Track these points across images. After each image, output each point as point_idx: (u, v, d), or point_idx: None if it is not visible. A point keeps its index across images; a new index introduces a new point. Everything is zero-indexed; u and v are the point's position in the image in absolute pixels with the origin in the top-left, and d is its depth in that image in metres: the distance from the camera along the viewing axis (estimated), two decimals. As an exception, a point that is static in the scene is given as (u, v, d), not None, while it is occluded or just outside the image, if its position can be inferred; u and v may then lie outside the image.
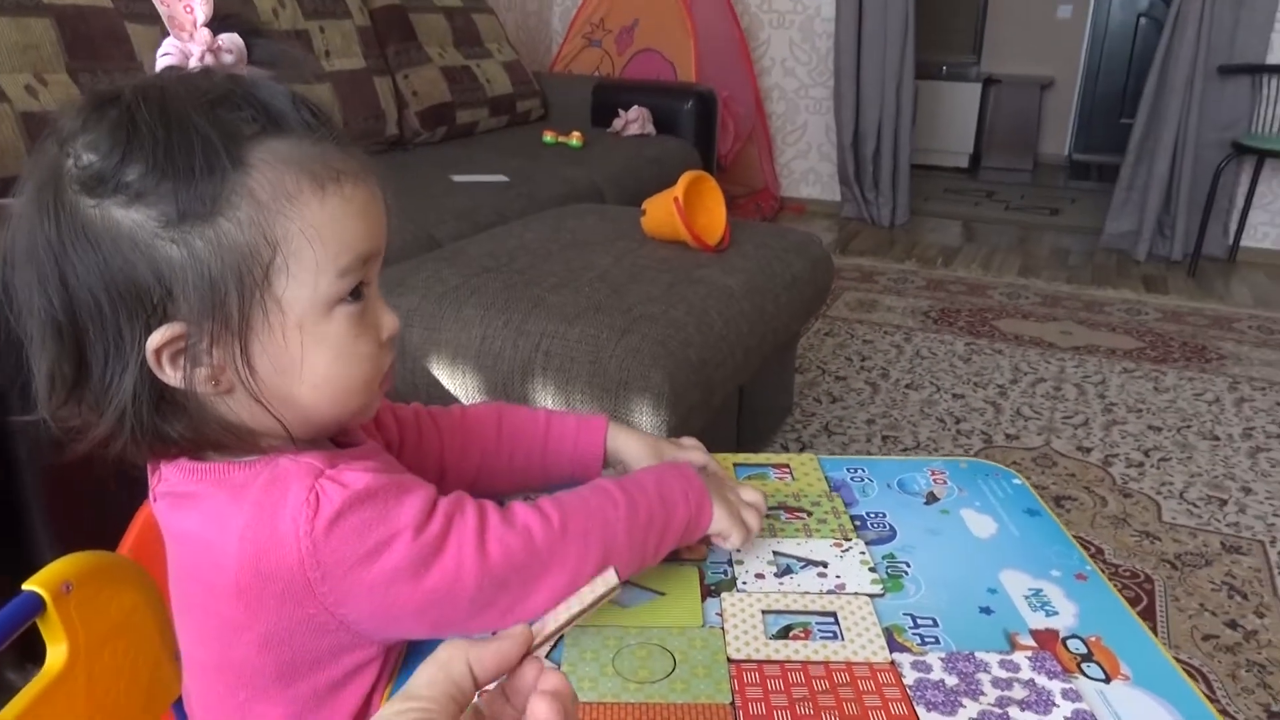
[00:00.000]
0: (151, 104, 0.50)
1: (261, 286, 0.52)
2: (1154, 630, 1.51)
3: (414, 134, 2.84)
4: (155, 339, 0.51)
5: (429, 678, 0.41)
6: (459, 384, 1.45)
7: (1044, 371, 2.56)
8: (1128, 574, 1.66)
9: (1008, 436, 2.18)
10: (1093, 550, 1.70)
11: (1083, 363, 2.62)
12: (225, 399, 0.55)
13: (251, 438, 0.56)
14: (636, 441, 0.77)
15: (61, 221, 0.51)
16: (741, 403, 1.83)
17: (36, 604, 0.62)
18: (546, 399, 1.39)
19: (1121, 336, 2.84)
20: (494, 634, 0.44)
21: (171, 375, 0.52)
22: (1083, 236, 4.06)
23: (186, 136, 0.50)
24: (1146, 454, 2.11)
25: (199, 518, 0.55)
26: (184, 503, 0.56)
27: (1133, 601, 1.57)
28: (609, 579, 0.45)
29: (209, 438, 0.55)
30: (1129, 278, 3.47)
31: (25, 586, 0.62)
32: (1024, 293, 3.25)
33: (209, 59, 0.59)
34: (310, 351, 0.55)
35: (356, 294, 0.56)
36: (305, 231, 0.53)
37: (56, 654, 0.62)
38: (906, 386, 2.44)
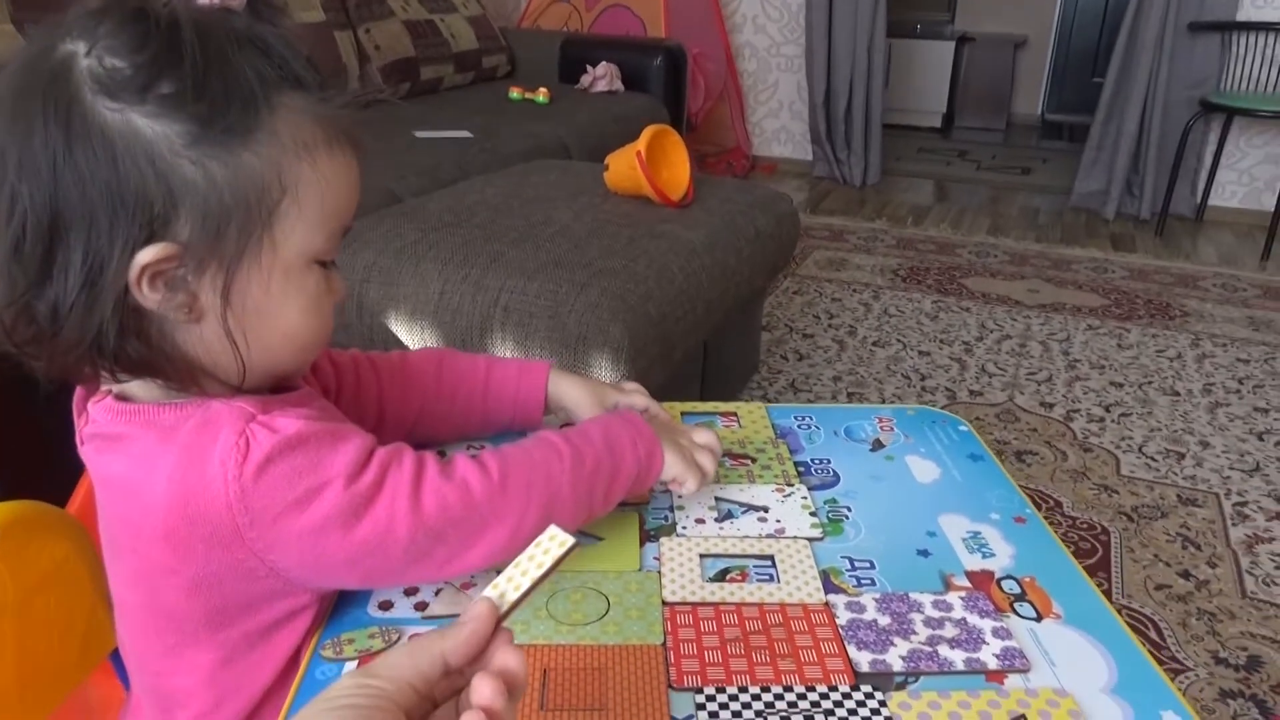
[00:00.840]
0: (187, 26, 0.50)
1: (264, 224, 0.53)
2: (1108, 580, 1.53)
3: (377, 90, 2.79)
4: (146, 255, 0.50)
5: (394, 661, 0.41)
6: (417, 339, 1.44)
7: (1010, 329, 2.57)
8: (1085, 526, 1.68)
9: (971, 393, 2.19)
10: (1051, 503, 1.72)
11: (1048, 320, 2.64)
12: (189, 329, 0.53)
13: (197, 374, 0.55)
14: (578, 387, 0.76)
15: (73, 120, 0.49)
16: (706, 359, 1.82)
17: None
18: (506, 354, 1.38)
19: (1087, 294, 2.86)
20: (459, 617, 0.43)
21: (148, 295, 0.51)
22: (1053, 196, 4.07)
23: (227, 65, 0.51)
24: (1107, 409, 2.13)
25: (126, 460, 0.54)
26: (112, 445, 0.55)
27: (1088, 553, 1.60)
28: (564, 540, 0.44)
29: (157, 365, 0.54)
30: (1097, 236, 3.48)
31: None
32: (993, 251, 3.26)
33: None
34: (288, 299, 0.55)
35: (328, 263, 0.58)
36: (316, 183, 0.54)
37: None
38: (874, 344, 2.44)
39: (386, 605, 0.60)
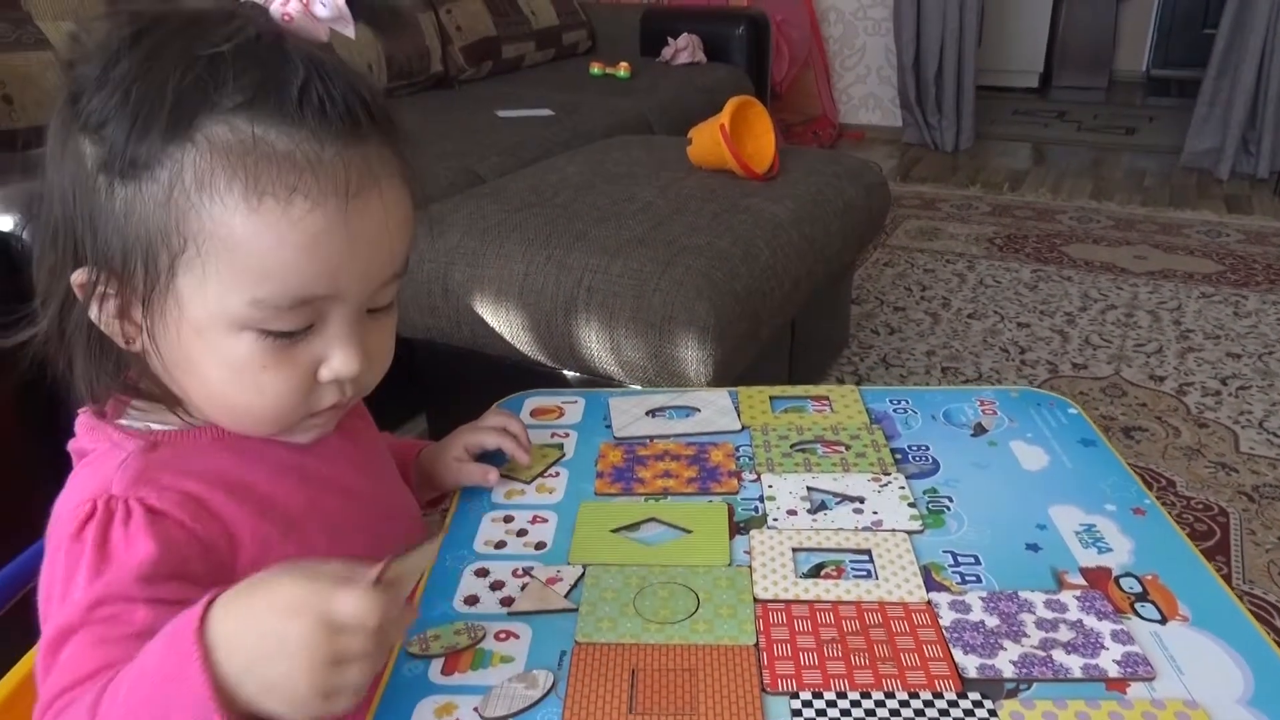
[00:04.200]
0: (149, 36, 0.47)
1: (166, 274, 0.47)
2: (1227, 565, 1.45)
3: (459, 70, 2.80)
4: (75, 275, 0.49)
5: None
6: (503, 322, 1.44)
7: (1115, 298, 2.45)
8: (1200, 506, 1.59)
9: (1075, 366, 2.10)
10: (1164, 483, 1.63)
11: (1157, 288, 2.50)
12: (152, 359, 0.51)
13: (174, 404, 0.53)
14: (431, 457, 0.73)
15: (56, 131, 0.49)
16: (794, 335, 1.78)
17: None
18: (590, 335, 1.36)
19: (1200, 260, 2.70)
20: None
21: (95, 314, 0.50)
22: (1161, 156, 3.86)
23: (152, 83, 0.45)
24: (1224, 382, 2.01)
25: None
26: (79, 460, 0.55)
27: (1205, 535, 1.51)
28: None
29: (136, 385, 0.53)
30: (1210, 198, 3.29)
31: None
32: (1096, 216, 3.10)
33: (294, 5, 0.50)
34: (204, 360, 0.49)
35: (287, 334, 0.49)
36: (219, 239, 0.46)
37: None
38: (969, 316, 2.36)
39: (472, 600, 0.59)
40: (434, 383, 1.65)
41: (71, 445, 0.55)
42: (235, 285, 0.47)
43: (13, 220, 1.18)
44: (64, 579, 0.48)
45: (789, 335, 1.76)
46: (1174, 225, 3.01)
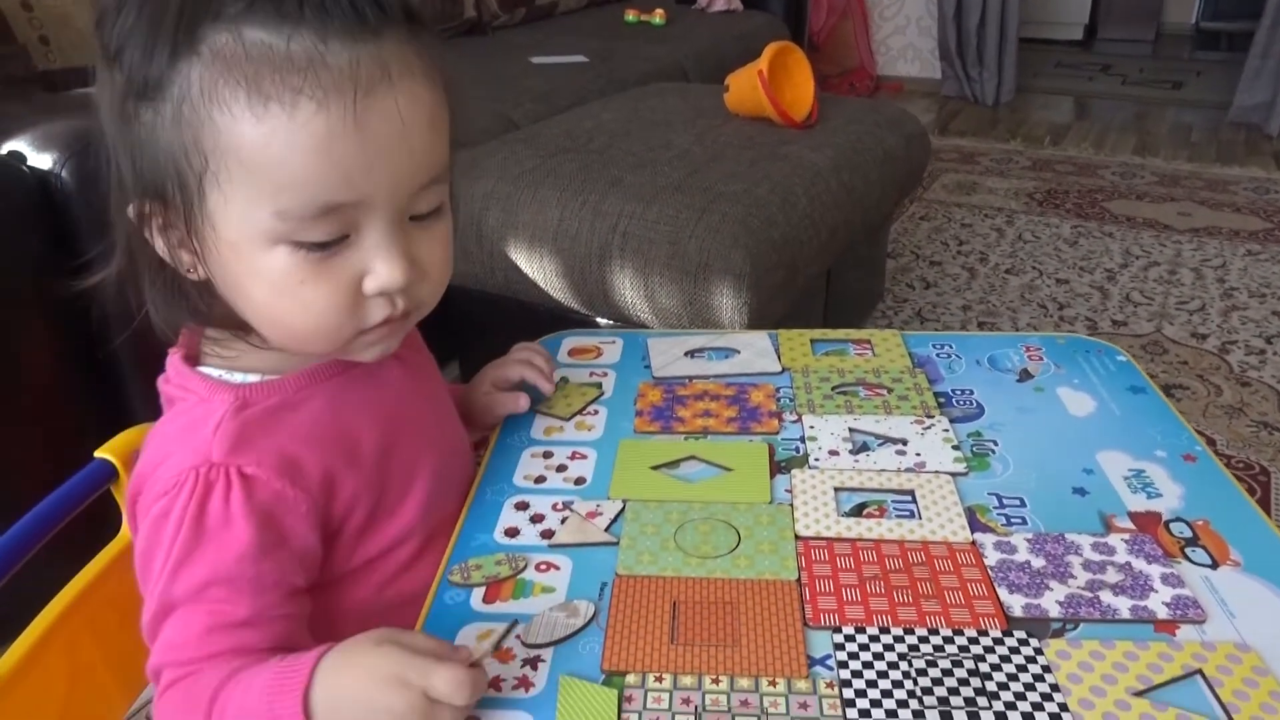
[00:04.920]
0: None
1: (196, 196, 0.46)
2: (1267, 523, 1.42)
3: (492, 16, 2.77)
4: (130, 209, 0.49)
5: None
6: (537, 268, 1.43)
7: (1158, 255, 2.40)
8: (1241, 465, 1.56)
9: (1114, 323, 2.06)
10: (1204, 441, 1.61)
11: (1202, 245, 2.45)
12: (219, 287, 0.51)
13: (245, 330, 0.53)
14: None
15: (97, 65, 0.49)
16: (829, 288, 1.76)
17: (108, 471, 0.63)
18: (624, 282, 1.35)
19: (1247, 217, 2.64)
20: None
21: (160, 246, 0.50)
22: (1208, 111, 3.75)
23: (159, 1, 0.44)
24: (1269, 341, 1.97)
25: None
26: (168, 405, 0.55)
27: (1244, 494, 1.49)
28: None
29: (216, 318, 0.53)
30: (1259, 154, 3.20)
31: (97, 454, 0.63)
32: (1140, 172, 3.03)
33: None
34: (247, 280, 0.48)
35: (321, 245, 0.47)
36: (233, 152, 0.45)
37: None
38: (1006, 271, 2.32)
39: (513, 532, 0.59)
40: (467, 329, 1.64)
41: (161, 384, 0.56)
42: (257, 198, 0.46)
43: (51, 159, 1.18)
44: (167, 550, 0.49)
45: (824, 287, 1.74)
46: (1220, 182, 2.93)
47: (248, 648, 0.48)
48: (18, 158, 1.18)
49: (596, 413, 0.72)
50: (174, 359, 0.55)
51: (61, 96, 1.57)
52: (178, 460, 0.50)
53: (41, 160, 1.19)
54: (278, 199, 0.45)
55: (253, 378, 0.54)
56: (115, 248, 0.51)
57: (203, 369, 0.54)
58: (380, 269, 0.48)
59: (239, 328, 0.53)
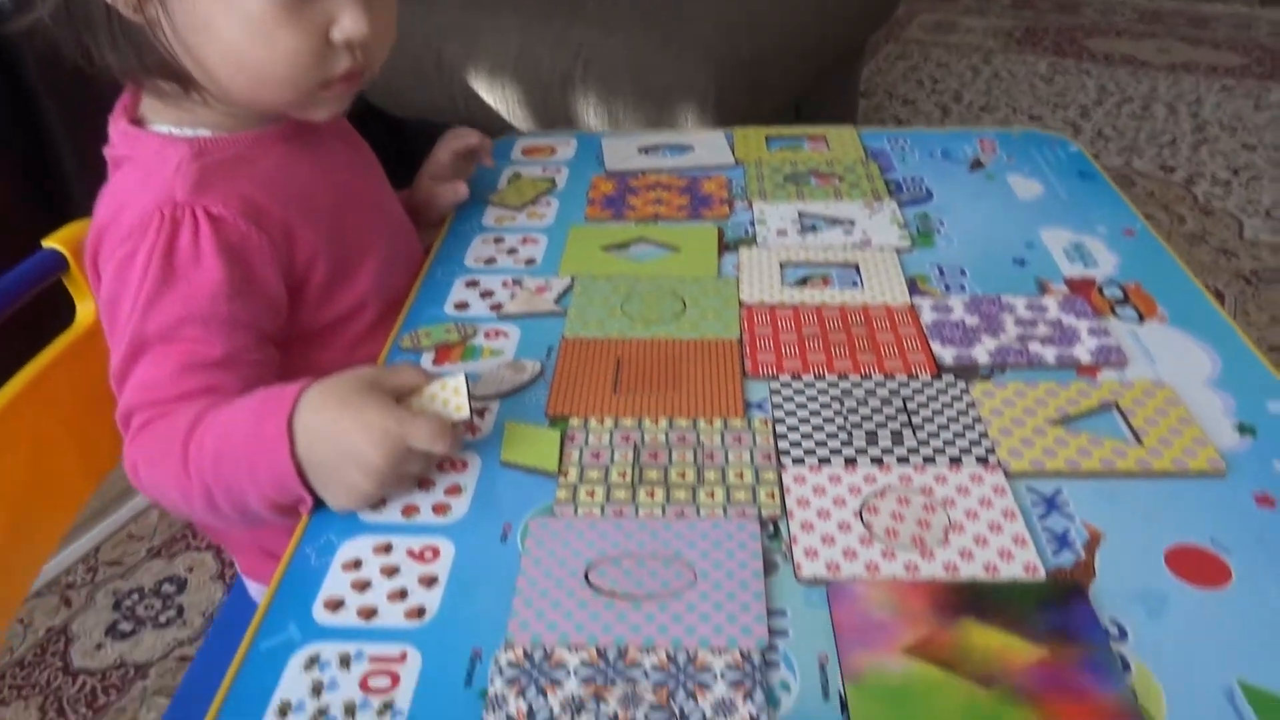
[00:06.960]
0: None
1: None
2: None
3: None
4: None
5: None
6: (498, 98, 1.40)
7: (1132, 91, 2.37)
8: (1198, 290, 1.59)
9: (1085, 158, 2.05)
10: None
11: (1177, 81, 2.42)
12: (167, 39, 0.50)
13: (190, 85, 0.52)
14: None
15: None
16: (798, 121, 1.74)
17: (57, 261, 0.63)
18: (588, 109, 1.33)
19: (1225, 54, 2.59)
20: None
21: None
22: (1196, -53, 3.64)
23: None
24: (1235, 173, 1.97)
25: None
26: (115, 168, 0.54)
27: (1200, 316, 1.52)
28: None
29: (154, 72, 0.51)
30: (1243, -10, 3.12)
31: (45, 243, 0.63)
32: (1120, 9, 2.96)
33: None
34: (221, 18, 0.49)
35: None
36: None
37: (85, 310, 0.64)
38: (980, 109, 2.29)
39: (462, 306, 0.60)
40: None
41: (108, 152, 0.55)
42: None
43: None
44: (135, 290, 0.49)
45: (793, 120, 1.72)
46: (1202, 18, 2.87)
47: (221, 387, 0.49)
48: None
49: (549, 204, 0.72)
50: (119, 124, 0.55)
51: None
52: (140, 204, 0.50)
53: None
54: None
55: (204, 133, 0.54)
56: None
57: (152, 127, 0.54)
58: (347, 19, 0.50)
59: (183, 81, 0.52)
